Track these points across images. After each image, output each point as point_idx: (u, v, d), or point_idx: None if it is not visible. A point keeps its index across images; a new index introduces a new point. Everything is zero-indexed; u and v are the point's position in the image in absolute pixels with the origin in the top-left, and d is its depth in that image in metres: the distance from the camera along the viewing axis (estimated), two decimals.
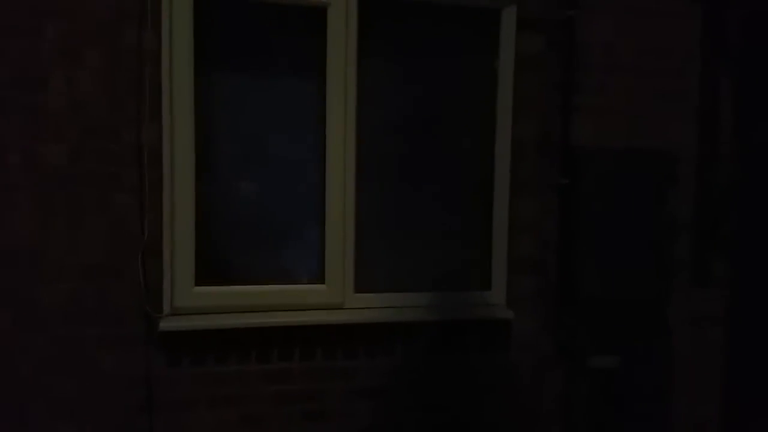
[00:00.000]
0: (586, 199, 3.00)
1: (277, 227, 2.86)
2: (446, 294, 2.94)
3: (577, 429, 3.07)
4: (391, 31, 2.92)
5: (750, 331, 3.13)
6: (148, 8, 2.56)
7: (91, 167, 2.55)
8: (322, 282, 2.83)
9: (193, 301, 2.69)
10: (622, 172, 3.04)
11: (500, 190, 2.97)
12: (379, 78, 2.90)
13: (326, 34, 2.76)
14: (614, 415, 3.10)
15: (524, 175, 2.97)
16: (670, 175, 3.09)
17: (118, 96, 2.57)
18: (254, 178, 2.84)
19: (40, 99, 2.49)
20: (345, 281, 2.84)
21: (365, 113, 2.86)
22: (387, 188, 2.95)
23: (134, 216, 2.61)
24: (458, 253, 3.03)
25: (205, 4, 2.66)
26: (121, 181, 2.59)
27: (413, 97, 2.97)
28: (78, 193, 2.55)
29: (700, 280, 3.14)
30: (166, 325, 2.61)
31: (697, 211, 3.11)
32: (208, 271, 2.74)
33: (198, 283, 2.70)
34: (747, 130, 3.12)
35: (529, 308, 3.00)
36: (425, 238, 2.99)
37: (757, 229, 3.11)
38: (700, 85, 3.08)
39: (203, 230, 2.73)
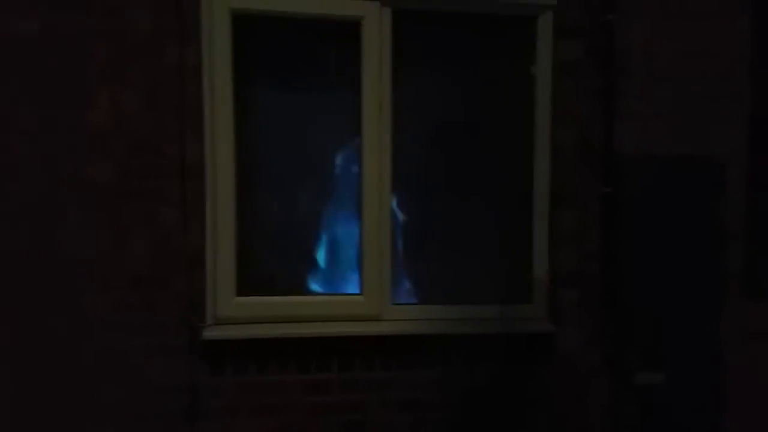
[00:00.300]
0: (630, 208, 2.92)
1: (315, 239, 2.91)
2: (485, 307, 2.91)
3: None
4: (425, 42, 2.93)
5: None
6: (189, 27, 2.64)
7: (136, 182, 2.64)
8: (360, 293, 2.86)
9: (235, 311, 2.75)
10: (667, 180, 2.94)
11: (540, 199, 2.92)
12: (414, 88, 2.91)
13: (361, 46, 2.79)
14: (661, 431, 3.00)
15: (565, 184, 2.92)
16: (719, 181, 2.97)
17: (161, 113, 2.65)
18: (293, 190, 2.89)
19: (86, 117, 2.60)
20: (382, 293, 2.85)
21: (401, 124, 2.87)
22: (424, 199, 2.96)
23: (178, 229, 2.68)
24: (498, 265, 3.00)
25: (243, 21, 2.73)
26: (165, 195, 2.67)
27: (449, 106, 2.97)
28: (124, 208, 2.64)
29: (752, 292, 3.01)
30: (209, 334, 2.68)
31: (749, 220, 2.99)
32: (250, 282, 2.80)
33: (239, 293, 2.76)
34: None
35: (573, 321, 2.94)
36: (464, 250, 2.98)
37: None
38: (751, 86, 2.96)
39: (244, 242, 2.79)
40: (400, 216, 2.93)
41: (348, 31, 2.79)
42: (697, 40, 2.94)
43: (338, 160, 2.90)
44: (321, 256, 2.92)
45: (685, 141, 2.95)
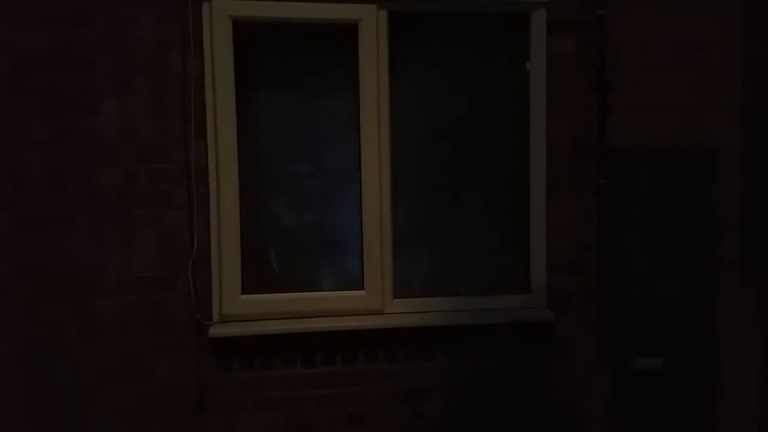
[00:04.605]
0: (625, 199, 2.96)
1: (317, 236, 2.99)
2: (484, 298, 2.96)
3: (622, 431, 3.02)
4: (421, 42, 2.99)
5: None
6: (191, 36, 2.72)
7: (143, 186, 2.74)
8: (362, 288, 2.91)
9: (240, 309, 2.82)
10: (662, 171, 2.98)
11: (536, 192, 2.97)
12: (412, 87, 2.98)
13: (358, 48, 2.85)
14: (660, 417, 3.02)
15: (561, 176, 2.96)
16: (712, 171, 3.01)
17: (167, 119, 2.75)
18: (295, 190, 2.97)
19: (95, 125, 2.69)
20: (384, 287, 2.91)
21: (399, 122, 2.93)
22: (423, 194, 3.02)
23: (184, 230, 2.77)
24: (497, 256, 3.06)
25: (244, 28, 2.80)
26: (172, 198, 2.76)
27: (447, 104, 3.03)
28: (132, 211, 2.73)
29: (747, 278, 3.03)
30: (215, 331, 2.75)
31: (743, 208, 3.01)
32: (254, 280, 2.87)
33: (245, 291, 2.84)
34: None
35: (571, 311, 2.98)
36: (463, 243, 3.04)
37: None
38: (742, 77, 2.99)
39: (248, 241, 2.86)
40: (400, 211, 2.98)
41: (345, 34, 2.86)
42: (688, 31, 2.98)
43: (338, 158, 2.97)
44: (323, 252, 2.99)
45: (678, 132, 2.99)
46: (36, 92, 2.66)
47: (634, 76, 2.96)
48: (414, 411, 2.92)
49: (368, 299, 2.90)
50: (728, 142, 3.01)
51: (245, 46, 2.83)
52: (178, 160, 2.75)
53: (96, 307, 2.72)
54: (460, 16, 2.97)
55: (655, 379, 3.00)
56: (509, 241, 3.06)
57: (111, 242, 2.73)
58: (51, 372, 2.71)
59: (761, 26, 3.00)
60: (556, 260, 2.97)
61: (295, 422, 2.85)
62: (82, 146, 2.69)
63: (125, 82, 2.71)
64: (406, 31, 2.93)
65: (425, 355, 2.92)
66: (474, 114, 3.03)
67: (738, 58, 3.00)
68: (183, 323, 2.77)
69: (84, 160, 2.69)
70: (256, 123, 2.90)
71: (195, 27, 2.73)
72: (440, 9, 2.91)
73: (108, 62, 2.69)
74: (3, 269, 2.66)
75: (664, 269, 3.01)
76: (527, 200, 2.98)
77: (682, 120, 2.99)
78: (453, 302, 2.95)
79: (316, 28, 2.88)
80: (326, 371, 2.87)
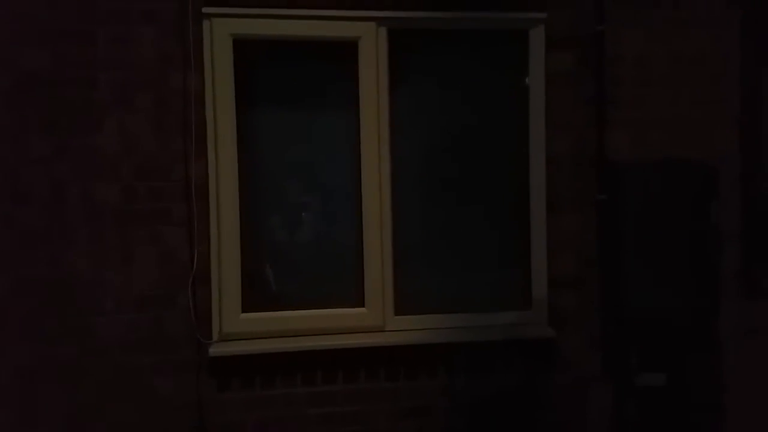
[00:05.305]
0: (626, 214, 2.96)
1: (317, 253, 2.98)
2: (486, 314, 2.95)
3: None
4: (421, 59, 3.01)
5: None
6: (192, 53, 2.73)
7: (143, 203, 2.73)
8: (363, 305, 2.90)
9: (241, 327, 2.81)
10: (662, 185, 2.98)
11: (537, 207, 2.98)
12: (411, 103, 2.99)
13: (358, 65, 2.87)
14: None
15: (561, 191, 2.96)
16: (712, 185, 3.01)
17: (167, 135, 2.75)
18: (295, 208, 2.97)
19: (95, 142, 2.69)
20: (384, 304, 2.90)
21: (399, 139, 2.94)
22: (424, 210, 3.02)
23: (184, 248, 2.76)
24: (498, 272, 3.05)
25: (244, 45, 2.82)
26: (171, 216, 2.75)
27: (446, 120, 3.04)
28: (131, 228, 2.72)
29: (749, 292, 3.02)
30: (215, 350, 2.74)
31: (744, 222, 3.01)
32: (255, 298, 2.86)
33: (245, 309, 2.83)
34: None
35: (573, 326, 2.97)
36: (464, 259, 3.03)
37: None
38: (741, 91, 3.00)
39: (249, 259, 2.86)
40: (401, 227, 2.97)
41: (346, 52, 2.88)
42: (687, 46, 3.00)
43: (339, 175, 2.96)
44: (324, 270, 2.97)
45: (678, 146, 3.00)
46: (37, 109, 2.66)
47: (633, 90, 2.97)
48: (416, 429, 2.89)
49: (369, 316, 2.89)
50: (728, 156, 3.02)
51: (245, 63, 2.84)
52: (178, 177, 2.75)
53: (96, 324, 2.70)
54: (459, 33, 2.99)
55: (657, 395, 2.98)
56: (510, 257, 3.05)
57: (111, 259, 2.71)
58: (50, 390, 2.68)
59: (760, 40, 3.01)
60: (557, 276, 2.97)
61: None
62: (83, 163, 2.69)
63: (126, 99, 2.72)
64: (405, 49, 2.95)
65: (427, 372, 2.90)
66: (474, 130, 3.04)
67: (736, 72, 3.01)
68: (183, 341, 2.75)
69: (84, 177, 2.69)
70: (257, 140, 2.90)
71: (195, 45, 2.74)
72: (439, 26, 2.93)
73: (109, 79, 2.70)
74: (2, 286, 2.64)
75: (666, 284, 3.00)
76: (528, 216, 2.98)
77: (682, 134, 3.00)
78: (454, 319, 2.94)
79: (316, 46, 2.89)
80: (327, 390, 2.84)
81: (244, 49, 2.83)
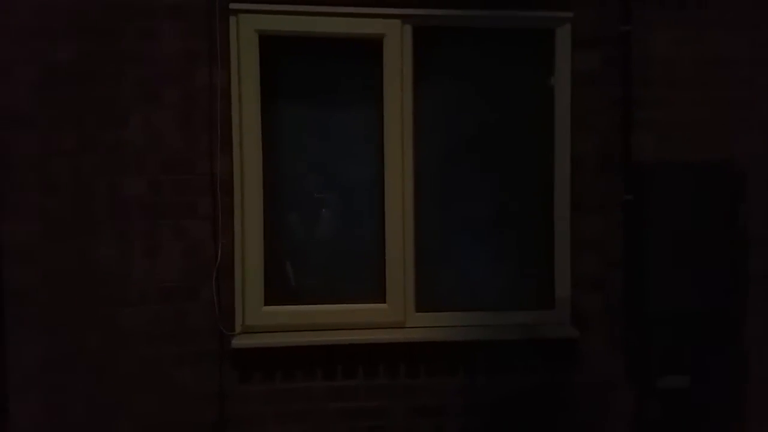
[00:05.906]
0: (652, 215, 2.92)
1: (340, 248, 2.99)
2: (508, 313, 2.94)
3: None
4: (446, 57, 3.01)
5: None
6: (218, 49, 2.76)
7: (168, 197, 2.77)
8: (384, 301, 2.90)
9: (263, 320, 2.83)
10: (689, 186, 2.94)
11: (561, 207, 2.96)
12: (436, 101, 2.99)
13: (383, 62, 2.87)
14: None
15: (586, 192, 2.95)
16: (740, 187, 2.97)
17: (193, 130, 2.78)
18: (319, 203, 2.98)
19: (122, 136, 2.73)
20: (406, 300, 2.90)
21: (423, 136, 2.94)
22: (447, 208, 3.01)
23: (208, 241, 2.79)
24: (521, 272, 3.04)
25: (270, 41, 2.84)
26: (196, 209, 2.79)
27: (470, 118, 3.03)
28: (156, 222, 2.76)
29: None
30: (237, 342, 2.76)
31: None
32: (277, 292, 2.88)
33: (267, 303, 2.85)
34: None
35: (596, 327, 2.95)
36: (487, 257, 3.02)
37: None
38: None
39: (272, 253, 2.88)
40: (423, 224, 2.97)
41: (370, 49, 2.89)
42: (715, 47, 2.96)
43: (362, 171, 2.97)
44: (346, 265, 2.98)
45: (705, 148, 2.97)
46: (65, 103, 2.70)
47: (659, 91, 2.95)
48: (434, 427, 2.89)
49: (390, 312, 2.89)
50: (756, 158, 2.98)
51: (271, 59, 2.86)
52: (203, 171, 2.78)
53: (120, 316, 2.74)
54: (484, 32, 2.98)
55: (681, 397, 2.95)
56: (534, 256, 3.04)
57: (136, 252, 2.75)
58: (74, 380, 2.73)
59: None
60: (580, 276, 2.95)
61: None
62: (110, 157, 2.73)
63: (152, 94, 2.75)
64: (430, 46, 2.95)
65: (447, 370, 2.90)
66: (498, 128, 3.03)
67: (765, 74, 2.97)
68: (206, 333, 2.78)
69: (111, 171, 2.73)
70: (280, 136, 2.92)
71: (222, 41, 2.77)
72: (465, 24, 2.93)
73: (135, 74, 2.74)
74: (30, 277, 2.69)
75: (691, 285, 2.95)
76: (552, 215, 2.97)
77: (709, 136, 2.97)
78: (476, 317, 2.94)
79: (340, 43, 2.90)
80: (347, 384, 2.86)
81: (269, 45, 2.84)
